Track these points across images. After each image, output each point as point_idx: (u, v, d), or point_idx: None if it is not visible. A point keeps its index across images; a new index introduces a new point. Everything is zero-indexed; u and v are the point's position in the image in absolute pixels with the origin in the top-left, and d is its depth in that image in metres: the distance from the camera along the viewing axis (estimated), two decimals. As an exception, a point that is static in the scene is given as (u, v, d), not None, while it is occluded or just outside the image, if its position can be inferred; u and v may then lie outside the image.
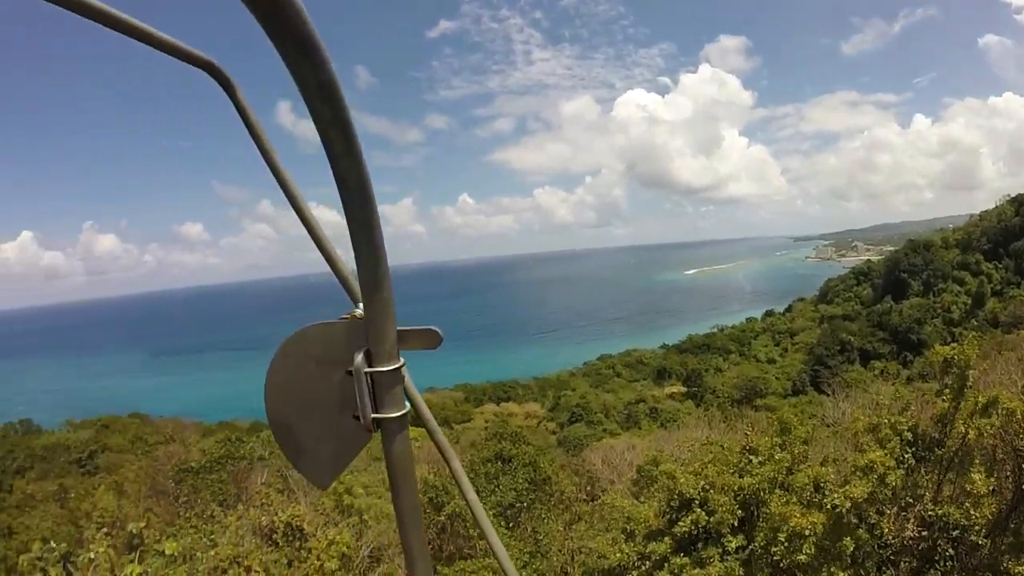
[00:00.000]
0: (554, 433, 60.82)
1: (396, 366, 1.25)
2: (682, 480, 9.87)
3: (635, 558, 9.83)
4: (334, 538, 11.21)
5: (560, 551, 16.13)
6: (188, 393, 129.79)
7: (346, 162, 0.96)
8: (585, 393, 73.09)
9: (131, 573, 8.31)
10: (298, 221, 1.58)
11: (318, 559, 10.60)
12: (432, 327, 1.32)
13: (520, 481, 18.09)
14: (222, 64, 1.44)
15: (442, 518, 15.20)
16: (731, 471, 9.79)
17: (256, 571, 10.72)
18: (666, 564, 9.34)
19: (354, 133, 0.94)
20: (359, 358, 1.22)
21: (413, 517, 1.38)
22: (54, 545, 9.07)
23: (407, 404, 1.31)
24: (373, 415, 1.24)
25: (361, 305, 1.23)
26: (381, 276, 1.13)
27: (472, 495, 1.83)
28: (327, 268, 1.61)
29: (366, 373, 1.23)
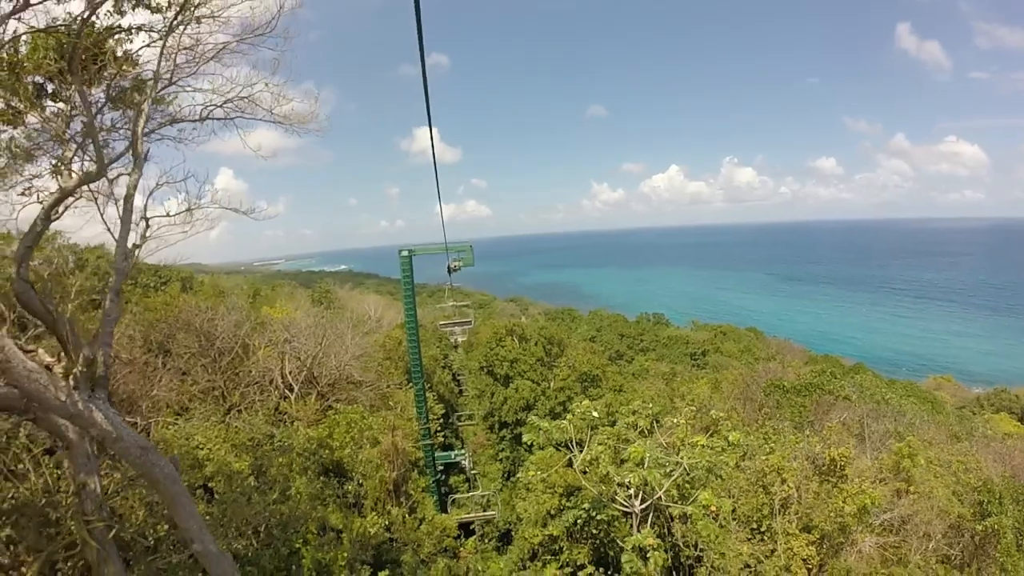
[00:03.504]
0: None
1: None
2: None
3: None
4: (864, 489, 11.98)
5: None
6: (803, 319, 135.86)
7: None
8: None
9: (696, 442, 11.90)
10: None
11: (842, 501, 11.75)
12: None
13: None
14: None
15: (979, 528, 13.07)
16: None
17: (789, 485, 12.96)
18: None
19: None
20: None
21: None
22: (651, 406, 13.57)
23: None
24: None
25: None
26: None
27: None
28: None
29: None
